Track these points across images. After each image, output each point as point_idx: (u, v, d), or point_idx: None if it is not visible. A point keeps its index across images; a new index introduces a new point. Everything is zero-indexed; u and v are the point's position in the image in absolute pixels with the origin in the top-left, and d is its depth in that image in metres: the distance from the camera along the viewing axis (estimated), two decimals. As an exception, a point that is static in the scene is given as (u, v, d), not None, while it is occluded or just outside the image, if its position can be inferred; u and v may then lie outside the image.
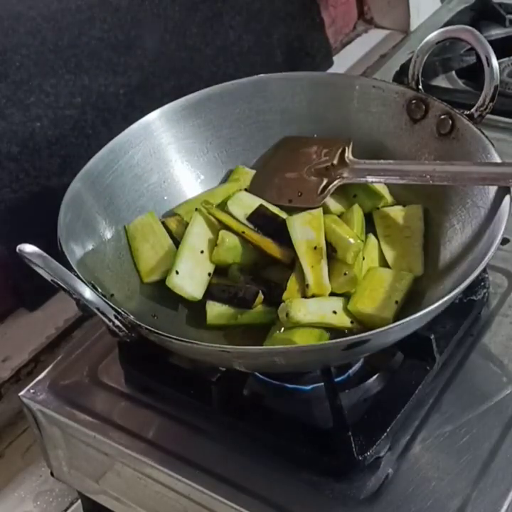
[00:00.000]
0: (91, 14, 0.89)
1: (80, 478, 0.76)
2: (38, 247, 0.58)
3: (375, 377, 0.70)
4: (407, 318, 0.57)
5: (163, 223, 0.76)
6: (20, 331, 0.92)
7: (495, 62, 0.71)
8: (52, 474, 0.79)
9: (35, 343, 0.90)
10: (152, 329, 0.60)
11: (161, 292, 0.72)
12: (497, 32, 1.14)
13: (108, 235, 0.73)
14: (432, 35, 0.76)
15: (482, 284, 0.74)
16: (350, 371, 0.70)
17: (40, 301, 0.92)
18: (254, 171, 0.81)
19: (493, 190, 0.67)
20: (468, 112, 0.73)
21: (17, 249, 0.57)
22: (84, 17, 0.88)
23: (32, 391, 0.75)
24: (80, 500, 0.80)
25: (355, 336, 0.56)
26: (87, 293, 0.59)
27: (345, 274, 0.69)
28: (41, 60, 0.85)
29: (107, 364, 0.76)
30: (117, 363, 0.75)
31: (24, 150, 0.85)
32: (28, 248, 0.58)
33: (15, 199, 0.85)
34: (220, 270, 0.73)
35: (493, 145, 0.69)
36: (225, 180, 0.82)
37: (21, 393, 0.75)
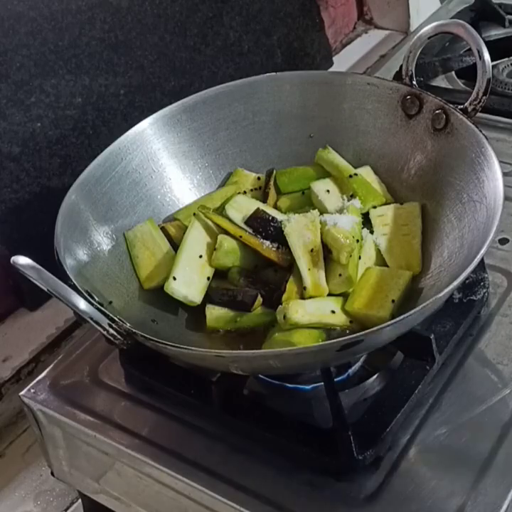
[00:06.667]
0: (91, 15, 0.89)
1: (80, 478, 0.76)
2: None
3: (374, 376, 0.70)
4: (400, 318, 0.57)
5: (162, 228, 0.76)
6: (20, 330, 0.92)
7: (487, 55, 0.71)
8: (52, 474, 0.79)
9: (36, 342, 0.90)
10: (147, 336, 0.60)
11: (161, 297, 0.71)
12: (497, 32, 1.14)
13: (107, 242, 0.73)
14: (424, 30, 0.75)
15: (482, 284, 0.74)
16: (350, 371, 0.70)
17: (40, 301, 0.92)
18: (253, 174, 0.81)
19: (488, 184, 0.67)
20: (462, 107, 0.73)
21: (11, 261, 0.57)
22: (85, 17, 0.89)
23: (32, 391, 0.75)
24: (80, 500, 0.80)
25: (348, 337, 0.56)
26: (81, 304, 0.59)
27: (340, 275, 0.69)
28: (42, 61, 0.85)
29: (108, 364, 0.76)
30: (118, 363, 0.75)
31: (25, 150, 0.85)
32: (22, 260, 0.57)
33: (15, 199, 0.85)
34: (220, 273, 0.73)
35: (487, 139, 0.69)
36: (224, 182, 0.82)
37: (22, 393, 0.75)
